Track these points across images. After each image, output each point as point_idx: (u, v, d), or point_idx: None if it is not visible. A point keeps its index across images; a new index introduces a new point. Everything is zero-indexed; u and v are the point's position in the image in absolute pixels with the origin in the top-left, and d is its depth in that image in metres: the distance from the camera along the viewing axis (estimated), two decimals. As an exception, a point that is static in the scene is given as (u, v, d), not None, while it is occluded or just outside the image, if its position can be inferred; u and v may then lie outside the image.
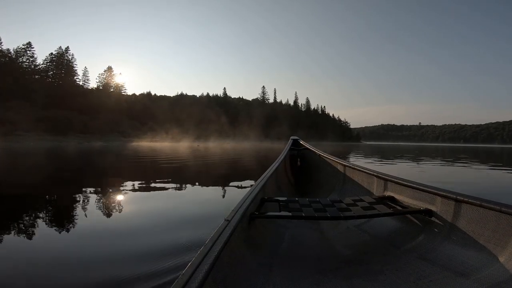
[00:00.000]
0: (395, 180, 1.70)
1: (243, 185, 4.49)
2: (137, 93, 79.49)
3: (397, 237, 1.49)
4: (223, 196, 3.71)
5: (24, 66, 51.67)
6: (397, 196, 1.68)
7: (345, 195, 1.94)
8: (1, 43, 47.96)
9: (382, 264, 1.23)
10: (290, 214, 1.40)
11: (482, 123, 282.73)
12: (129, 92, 75.17)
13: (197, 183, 4.71)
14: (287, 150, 3.51)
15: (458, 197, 1.27)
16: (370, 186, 2.02)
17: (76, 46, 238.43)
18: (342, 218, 1.40)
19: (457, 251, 1.20)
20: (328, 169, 2.93)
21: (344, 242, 1.56)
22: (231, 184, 4.71)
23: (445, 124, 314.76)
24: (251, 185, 1.66)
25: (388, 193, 1.77)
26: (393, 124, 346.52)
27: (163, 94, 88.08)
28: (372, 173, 2.00)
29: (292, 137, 4.06)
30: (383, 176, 1.84)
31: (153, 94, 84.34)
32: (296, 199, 1.66)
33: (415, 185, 1.53)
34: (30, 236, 2.07)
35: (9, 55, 49.50)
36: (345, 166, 2.54)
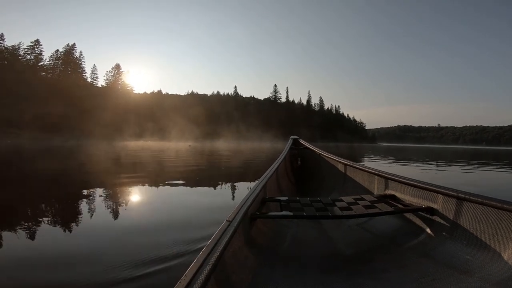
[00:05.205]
0: (396, 178, 1.70)
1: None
2: (148, 92, 78.57)
3: (399, 235, 1.49)
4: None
5: (31, 63, 50.53)
6: (398, 195, 1.67)
7: (346, 194, 1.90)
8: (4, 39, 46.87)
9: (384, 263, 1.24)
10: (291, 213, 1.40)
11: (505, 125, 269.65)
12: (140, 91, 74.08)
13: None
14: (287, 150, 3.46)
15: (459, 194, 1.27)
16: (371, 184, 2.01)
17: (89, 45, 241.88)
18: (343, 217, 1.40)
19: (460, 249, 1.20)
20: (329, 168, 2.90)
21: (346, 241, 1.57)
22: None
23: (466, 126, 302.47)
24: (252, 186, 1.63)
25: (389, 192, 1.76)
26: (410, 125, 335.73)
27: (174, 93, 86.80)
28: (373, 171, 1.99)
29: (292, 137, 4.03)
30: (384, 175, 1.83)
31: (164, 93, 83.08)
32: (297, 198, 1.66)
33: (416, 183, 1.52)
34: None
35: (15, 52, 48.34)
36: (345, 165, 2.51)
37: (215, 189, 4.44)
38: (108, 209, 3.04)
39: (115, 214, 2.84)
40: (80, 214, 2.79)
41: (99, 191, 4.00)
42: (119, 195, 3.80)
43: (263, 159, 11.17)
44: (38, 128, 37.59)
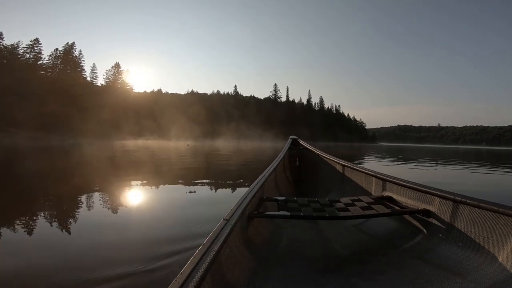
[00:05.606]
0: (393, 180, 1.70)
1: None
2: (148, 91, 78.56)
3: (395, 237, 1.50)
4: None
5: (30, 62, 50.23)
6: (395, 196, 1.68)
7: (344, 195, 1.90)
8: (3, 38, 46.54)
9: (380, 264, 1.25)
10: (288, 213, 1.40)
11: (505, 125, 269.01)
12: (140, 90, 73.85)
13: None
14: (286, 150, 3.47)
15: (456, 197, 1.27)
16: (369, 186, 2.01)
17: (89, 44, 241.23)
18: (340, 218, 1.40)
19: (455, 251, 1.20)
20: (327, 169, 2.90)
21: (343, 241, 1.57)
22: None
23: (466, 126, 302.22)
24: (250, 185, 1.62)
25: (386, 193, 1.76)
26: (410, 125, 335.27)
27: (174, 92, 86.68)
28: (370, 173, 1.99)
29: (291, 137, 4.03)
30: (381, 176, 1.83)
31: (163, 91, 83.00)
32: (295, 198, 1.65)
33: (413, 186, 1.53)
34: None
35: (14, 51, 48.03)
36: (344, 166, 2.51)
37: (211, 190, 4.37)
38: (102, 207, 3.03)
39: (109, 213, 2.83)
40: (75, 212, 2.79)
41: (94, 189, 3.99)
42: (113, 194, 3.79)
43: (264, 159, 11.01)
44: (36, 127, 37.18)
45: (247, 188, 1.50)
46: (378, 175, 1.88)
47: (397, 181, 1.66)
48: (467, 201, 1.22)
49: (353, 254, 1.42)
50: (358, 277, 1.13)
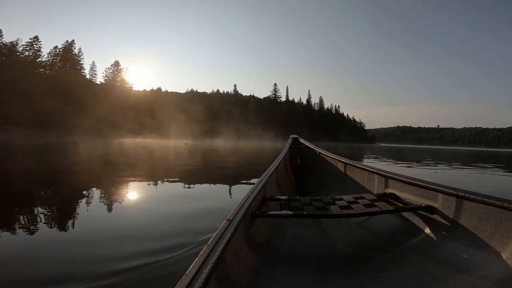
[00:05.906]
0: (396, 177, 1.69)
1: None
2: (147, 89, 78.43)
3: (399, 234, 1.49)
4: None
5: (29, 59, 49.96)
6: (398, 193, 1.67)
7: (346, 193, 1.88)
8: (2, 36, 46.23)
9: (384, 261, 1.24)
10: (291, 212, 1.40)
11: (505, 127, 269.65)
12: (140, 88, 73.70)
13: None
14: (287, 149, 3.44)
15: (459, 193, 1.27)
16: (371, 183, 2.00)
17: (89, 43, 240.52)
18: (343, 216, 1.40)
19: (460, 248, 1.20)
20: (329, 167, 2.89)
21: (346, 239, 1.56)
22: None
23: (465, 127, 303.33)
24: (252, 184, 1.63)
25: (389, 190, 1.75)
26: (410, 126, 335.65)
27: (174, 91, 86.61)
28: (372, 170, 1.98)
29: (291, 136, 4.01)
30: (384, 174, 1.82)
31: (163, 90, 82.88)
32: (297, 197, 1.66)
33: (416, 182, 1.52)
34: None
35: (13, 48, 47.73)
36: (345, 163, 2.50)
37: (205, 190, 4.32)
38: (94, 204, 3.01)
39: (100, 210, 2.81)
40: (68, 209, 2.80)
41: (85, 188, 3.95)
42: (103, 192, 3.77)
43: (264, 159, 10.87)
44: (34, 125, 37.07)
45: (245, 186, 1.45)
46: (380, 172, 1.87)
47: (399, 177, 1.66)
48: (471, 196, 1.21)
49: (356, 252, 1.41)
50: (362, 274, 1.12)
